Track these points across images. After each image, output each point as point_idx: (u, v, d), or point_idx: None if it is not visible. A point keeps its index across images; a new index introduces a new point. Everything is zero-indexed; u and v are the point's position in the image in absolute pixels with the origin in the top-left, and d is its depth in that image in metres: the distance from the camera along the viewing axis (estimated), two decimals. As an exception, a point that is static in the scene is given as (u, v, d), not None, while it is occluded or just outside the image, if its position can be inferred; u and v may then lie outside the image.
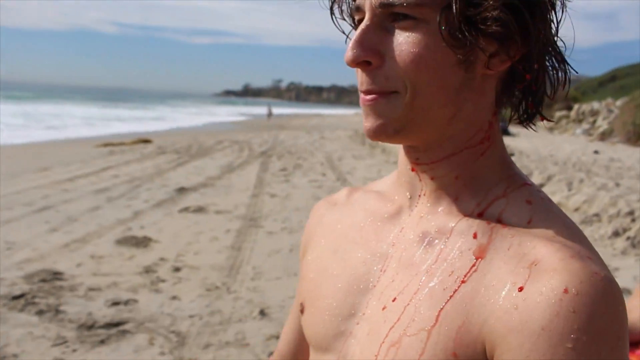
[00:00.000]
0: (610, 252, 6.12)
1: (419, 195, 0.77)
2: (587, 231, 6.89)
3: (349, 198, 0.91)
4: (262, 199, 8.97)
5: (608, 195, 7.70)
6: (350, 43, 0.70)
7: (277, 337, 3.93)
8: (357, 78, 0.74)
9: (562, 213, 0.72)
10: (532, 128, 0.77)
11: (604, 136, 18.41)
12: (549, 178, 9.48)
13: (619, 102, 22.46)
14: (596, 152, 13.74)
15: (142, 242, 6.18)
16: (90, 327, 4.03)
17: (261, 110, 61.05)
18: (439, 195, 0.75)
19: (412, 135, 0.72)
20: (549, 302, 0.59)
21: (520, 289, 0.61)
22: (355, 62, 0.70)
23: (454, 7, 0.65)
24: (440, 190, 0.74)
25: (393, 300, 0.72)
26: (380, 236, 0.80)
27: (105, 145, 16.95)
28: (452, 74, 0.68)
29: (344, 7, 0.78)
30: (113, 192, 9.06)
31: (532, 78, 0.70)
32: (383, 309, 0.72)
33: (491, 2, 0.65)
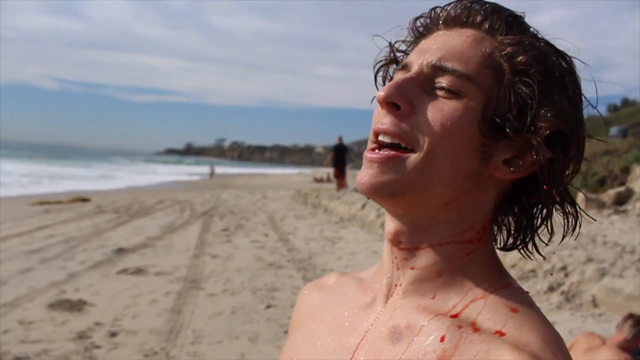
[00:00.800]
0: (546, 307, 6.28)
1: (396, 285, 0.74)
2: (525, 286, 7.01)
3: (335, 282, 0.89)
4: (204, 260, 8.81)
5: (541, 252, 7.97)
6: (389, 84, 0.70)
7: (218, 404, 3.80)
8: (375, 117, 0.72)
9: (541, 319, 0.68)
10: (527, 256, 0.75)
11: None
12: (487, 236, 9.76)
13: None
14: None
15: (77, 306, 5.92)
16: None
17: (203, 169, 60.52)
18: (415, 288, 0.72)
19: (406, 203, 0.69)
20: None
21: None
22: (387, 101, 0.69)
23: (510, 98, 0.66)
24: (418, 284, 0.72)
25: None
26: (353, 325, 0.77)
27: (41, 203, 16.36)
28: (469, 156, 0.68)
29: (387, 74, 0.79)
30: (47, 252, 8.70)
31: (539, 200, 0.71)
32: None
33: (549, 110, 0.66)
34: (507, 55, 0.68)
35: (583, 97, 0.71)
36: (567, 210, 0.72)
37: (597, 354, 4.01)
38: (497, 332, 0.65)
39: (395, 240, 0.73)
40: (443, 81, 0.69)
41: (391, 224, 0.73)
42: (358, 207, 14.67)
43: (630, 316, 4.22)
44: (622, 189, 14.07)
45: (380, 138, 0.70)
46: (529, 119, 0.67)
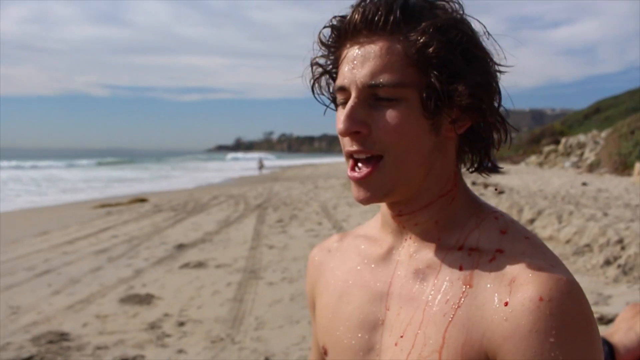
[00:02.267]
0: (602, 281, 6.26)
1: (405, 239, 0.91)
2: (580, 261, 7.06)
3: (340, 244, 1.04)
4: (261, 251, 9.11)
5: (597, 226, 7.89)
6: (343, 118, 0.85)
7: (283, 383, 4.04)
8: (342, 142, 0.89)
9: (523, 230, 0.87)
10: (485, 175, 0.93)
11: (591, 167, 18.73)
12: (539, 212, 9.68)
13: (603, 134, 22.93)
14: (584, 184, 14.00)
15: (145, 300, 6.29)
16: (100, 385, 4.12)
17: (251, 163, 61.02)
18: (423, 237, 0.89)
19: (397, 195, 0.87)
20: (530, 310, 0.76)
21: (506, 304, 0.78)
22: (347, 133, 0.85)
23: (437, 85, 0.82)
24: (424, 233, 0.89)
25: (402, 335, 0.86)
26: (377, 277, 0.93)
27: (103, 206, 17.10)
28: (426, 139, 0.85)
29: (323, 84, 0.95)
30: (113, 252, 9.19)
31: (486, 137, 0.88)
32: (396, 343, 0.86)
33: (463, 83, 0.81)
34: (417, 50, 0.82)
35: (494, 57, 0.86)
36: (499, 128, 0.88)
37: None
38: (497, 250, 0.83)
39: (396, 212, 0.91)
40: (381, 93, 0.84)
41: (389, 203, 0.91)
42: (408, 192, 14.73)
43: None
44: None
45: (355, 157, 0.87)
46: (455, 91, 0.82)
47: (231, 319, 5.55)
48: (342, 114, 0.87)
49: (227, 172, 46.51)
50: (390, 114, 0.83)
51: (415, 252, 0.90)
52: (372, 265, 0.95)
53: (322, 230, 11.03)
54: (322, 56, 0.93)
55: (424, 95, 0.82)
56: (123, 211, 15.51)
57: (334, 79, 0.92)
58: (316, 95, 0.97)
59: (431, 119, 0.84)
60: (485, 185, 14.33)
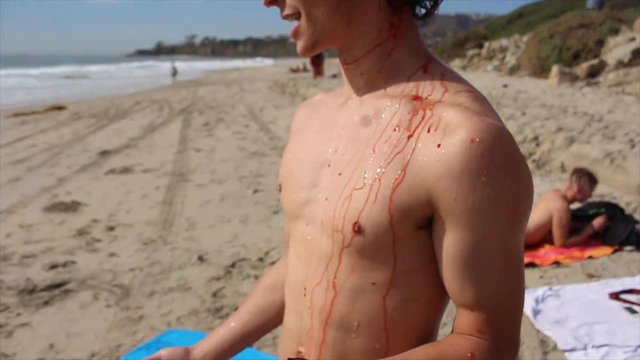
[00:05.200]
0: (518, 175, 6.65)
1: (358, 89, 0.97)
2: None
3: (321, 99, 1.13)
4: (188, 154, 9.01)
5: (516, 124, 8.25)
6: None
7: (218, 279, 4.15)
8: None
9: (468, 84, 0.91)
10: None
11: (512, 71, 19.25)
12: (462, 112, 9.98)
13: (525, 38, 23.43)
14: (505, 85, 14.41)
15: (71, 207, 6.16)
16: (31, 291, 4.08)
17: (178, 65, 57.33)
18: (371, 86, 0.94)
19: (326, 43, 0.93)
20: (462, 152, 0.79)
21: (439, 146, 0.82)
22: (267, 4, 0.94)
23: None
24: (371, 83, 0.94)
25: (340, 173, 0.93)
26: (333, 123, 1.00)
27: (16, 115, 16.18)
28: None
29: None
30: (32, 161, 8.82)
31: None
32: (339, 174, 0.93)
33: None
34: None
35: None
36: None
37: (551, 201, 4.48)
38: (438, 101, 0.87)
39: (342, 61, 0.97)
40: None
41: (339, 55, 0.97)
42: (336, 94, 14.75)
43: (579, 170, 4.63)
44: (595, 61, 14.17)
45: (284, 16, 0.94)
46: None
47: (162, 221, 5.55)
48: None
49: (148, 77, 44.11)
50: None
51: (365, 100, 0.96)
52: (332, 113, 1.03)
53: (250, 132, 10.99)
54: None
55: None
56: (39, 120, 14.75)
57: None
58: None
59: None
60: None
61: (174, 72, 43.52)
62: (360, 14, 0.91)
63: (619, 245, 4.43)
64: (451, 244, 0.83)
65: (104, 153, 9.29)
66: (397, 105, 0.91)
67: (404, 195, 0.85)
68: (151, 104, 17.19)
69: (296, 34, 0.93)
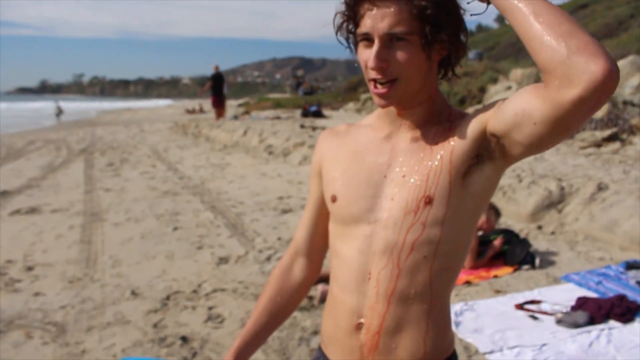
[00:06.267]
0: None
1: (402, 125, 1.34)
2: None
3: (347, 128, 1.45)
4: (97, 194, 8.84)
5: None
6: (372, 57, 1.23)
7: (156, 311, 4.22)
8: (366, 72, 1.27)
9: (462, 110, 1.35)
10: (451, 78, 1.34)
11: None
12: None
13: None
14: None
15: (-20, 248, 5.90)
16: (-48, 334, 3.93)
17: (68, 105, 53.97)
18: (417, 123, 1.32)
19: (404, 101, 1.29)
20: (470, 116, 1.28)
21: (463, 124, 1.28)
22: (377, 68, 1.23)
23: (430, 33, 1.22)
24: (418, 120, 1.32)
25: (404, 175, 1.28)
26: (380, 149, 1.35)
27: None
28: (424, 65, 1.25)
29: (343, 27, 1.32)
30: None
31: (455, 60, 1.32)
32: (403, 176, 1.28)
33: (445, 32, 1.23)
34: (418, 11, 1.22)
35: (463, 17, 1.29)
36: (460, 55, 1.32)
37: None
38: (461, 120, 1.31)
39: (400, 108, 1.34)
40: (396, 39, 1.24)
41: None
42: (240, 134, 14.96)
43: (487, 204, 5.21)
44: (479, 106, 15.57)
45: (377, 81, 1.26)
46: (440, 36, 1.25)
47: (84, 259, 5.49)
48: (363, 51, 1.26)
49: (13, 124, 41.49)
50: (402, 51, 1.24)
51: (412, 129, 1.34)
52: (376, 143, 1.37)
53: (158, 172, 10.94)
54: (345, 10, 1.31)
55: (423, 39, 1.23)
56: None
57: (355, 27, 1.29)
58: (338, 37, 1.35)
59: (427, 52, 1.25)
60: (314, 128, 15.16)
61: (59, 112, 40.82)
62: (431, 78, 1.32)
63: (517, 265, 5.01)
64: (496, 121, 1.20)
65: (4, 193, 8.89)
66: (439, 128, 1.31)
67: (456, 157, 1.25)
68: (46, 144, 16.53)
69: (389, 93, 1.26)
